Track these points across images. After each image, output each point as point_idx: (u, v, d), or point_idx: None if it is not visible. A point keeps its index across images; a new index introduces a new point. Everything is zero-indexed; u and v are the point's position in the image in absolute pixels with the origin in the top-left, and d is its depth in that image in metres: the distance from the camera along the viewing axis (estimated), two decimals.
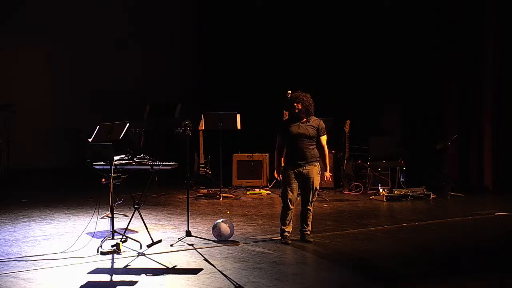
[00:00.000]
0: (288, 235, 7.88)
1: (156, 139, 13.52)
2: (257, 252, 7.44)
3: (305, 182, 7.81)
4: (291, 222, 7.92)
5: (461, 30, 12.49)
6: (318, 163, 7.89)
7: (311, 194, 7.86)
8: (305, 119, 7.85)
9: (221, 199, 11.34)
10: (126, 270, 6.76)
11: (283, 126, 7.96)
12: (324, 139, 7.92)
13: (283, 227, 7.89)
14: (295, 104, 7.83)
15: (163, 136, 13.80)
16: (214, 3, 15.78)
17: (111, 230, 7.77)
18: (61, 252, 7.32)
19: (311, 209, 7.94)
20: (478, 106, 12.50)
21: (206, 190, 11.80)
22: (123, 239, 7.63)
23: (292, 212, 7.87)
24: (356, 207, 10.71)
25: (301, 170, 7.78)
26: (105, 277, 6.54)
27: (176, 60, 16.02)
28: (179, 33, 16.17)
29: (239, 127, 11.59)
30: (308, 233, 7.94)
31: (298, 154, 7.79)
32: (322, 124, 7.93)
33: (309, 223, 7.95)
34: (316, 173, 7.84)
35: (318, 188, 7.93)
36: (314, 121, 7.89)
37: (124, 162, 7.86)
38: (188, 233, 7.94)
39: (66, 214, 9.85)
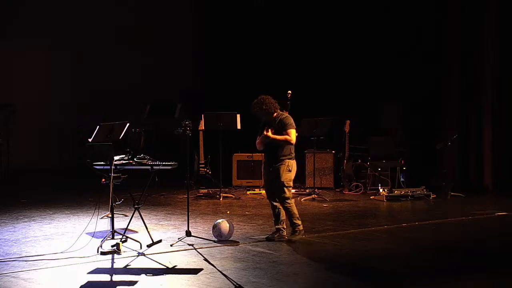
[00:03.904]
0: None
1: (156, 139, 13.51)
2: (257, 252, 7.44)
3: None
4: None
5: (461, 30, 12.49)
6: None
7: None
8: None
9: (221, 199, 11.34)
10: (126, 270, 6.76)
11: None
12: None
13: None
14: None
15: (163, 136, 13.79)
16: (214, 3, 15.77)
17: (111, 230, 7.77)
18: (61, 252, 7.32)
19: None
20: (478, 106, 12.50)
21: (206, 190, 11.80)
22: (123, 239, 7.63)
23: None
24: (356, 207, 10.71)
25: None
26: (105, 277, 6.54)
27: (176, 60, 16.01)
28: (179, 33, 16.16)
29: (239, 127, 11.58)
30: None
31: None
32: None
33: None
34: None
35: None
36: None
37: (124, 162, 7.87)
38: (188, 233, 7.94)
39: (66, 214, 9.85)
